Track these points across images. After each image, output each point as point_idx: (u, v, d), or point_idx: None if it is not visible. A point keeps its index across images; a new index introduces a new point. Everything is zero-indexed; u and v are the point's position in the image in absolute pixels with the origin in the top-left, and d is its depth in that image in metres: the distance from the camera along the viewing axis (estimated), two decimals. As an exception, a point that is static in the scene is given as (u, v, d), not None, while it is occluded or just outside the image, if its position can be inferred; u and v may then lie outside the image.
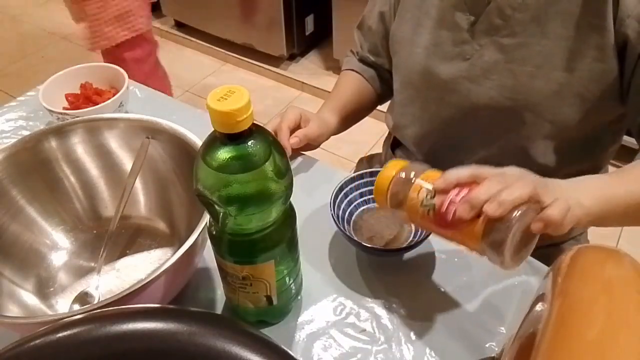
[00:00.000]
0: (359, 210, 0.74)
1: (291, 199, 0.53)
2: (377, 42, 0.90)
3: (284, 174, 0.49)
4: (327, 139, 0.87)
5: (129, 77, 0.92)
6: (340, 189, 0.72)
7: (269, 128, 0.79)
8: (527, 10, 0.69)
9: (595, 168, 0.83)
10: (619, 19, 0.64)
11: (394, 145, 0.97)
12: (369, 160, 1.06)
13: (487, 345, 0.61)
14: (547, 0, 0.67)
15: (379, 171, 0.73)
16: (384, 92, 0.96)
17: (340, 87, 0.94)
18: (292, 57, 2.48)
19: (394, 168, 0.59)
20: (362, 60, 0.95)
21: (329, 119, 0.87)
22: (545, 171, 0.78)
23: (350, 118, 0.93)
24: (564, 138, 0.74)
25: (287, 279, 0.58)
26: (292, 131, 0.80)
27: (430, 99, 0.80)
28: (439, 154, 0.84)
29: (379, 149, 1.06)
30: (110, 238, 0.67)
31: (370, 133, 2.08)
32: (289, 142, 0.78)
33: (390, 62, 0.90)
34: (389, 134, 0.99)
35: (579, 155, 0.78)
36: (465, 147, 0.81)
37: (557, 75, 0.69)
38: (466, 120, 0.78)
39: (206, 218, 0.56)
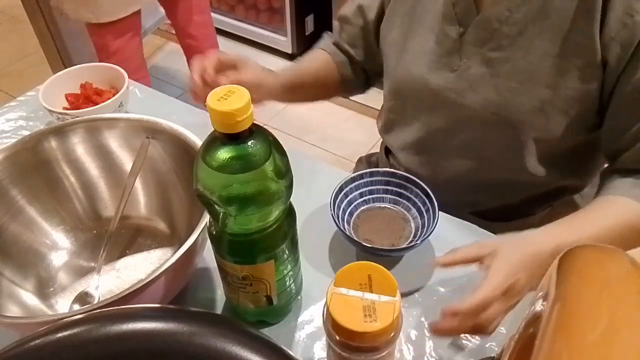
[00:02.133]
0: (359, 210, 0.74)
1: (291, 199, 0.53)
2: (355, 34, 0.89)
3: (284, 174, 0.49)
4: (273, 97, 0.83)
5: None
6: (340, 189, 0.72)
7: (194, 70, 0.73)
8: (514, 24, 0.68)
9: (586, 179, 0.84)
10: (603, 41, 0.63)
11: (388, 149, 0.96)
12: (367, 160, 1.06)
13: (487, 345, 0.61)
14: (535, 15, 0.66)
15: (378, 171, 0.74)
16: (350, 82, 0.93)
17: (304, 60, 0.92)
18: (292, 57, 2.48)
19: None
20: (337, 46, 0.92)
21: (277, 73, 0.83)
22: (535, 183, 0.78)
23: (305, 89, 0.89)
24: (549, 152, 0.74)
25: (287, 279, 0.58)
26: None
27: (418, 108, 0.80)
28: (426, 162, 0.83)
29: (378, 149, 1.06)
30: (110, 238, 0.67)
31: (370, 133, 2.08)
32: (199, 76, 0.72)
33: (366, 57, 0.89)
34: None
35: (569, 167, 0.79)
36: (452, 158, 0.80)
37: (540, 92, 0.68)
38: (453, 131, 0.77)
39: (206, 218, 0.56)
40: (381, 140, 1.02)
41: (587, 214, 0.65)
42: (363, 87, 0.98)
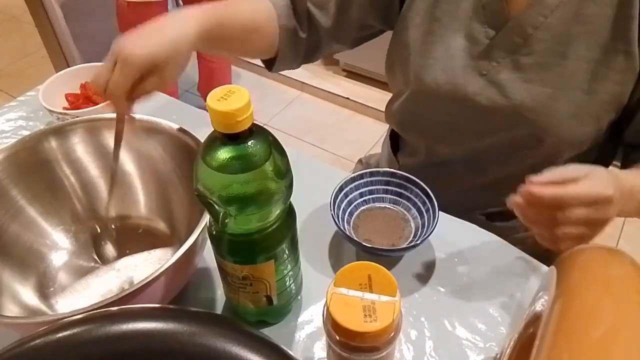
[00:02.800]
0: (359, 210, 0.74)
1: (291, 199, 0.53)
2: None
3: (284, 174, 0.49)
4: (186, 54, 0.63)
5: None
6: (340, 189, 0.72)
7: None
8: (549, 30, 0.67)
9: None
10: None
11: (395, 148, 0.96)
12: (367, 161, 1.05)
13: (487, 345, 0.61)
14: (571, 20, 0.66)
15: (378, 171, 0.74)
16: (284, 55, 0.79)
17: (237, 4, 0.73)
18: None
19: None
20: (295, 6, 0.77)
21: (193, 21, 0.64)
22: None
23: (226, 44, 0.72)
24: (576, 155, 0.74)
25: (287, 279, 0.58)
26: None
27: (443, 113, 0.77)
28: (445, 165, 0.82)
29: (379, 149, 1.06)
30: (107, 230, 0.67)
31: (370, 133, 2.09)
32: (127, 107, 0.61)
33: (337, 24, 0.79)
34: (389, 136, 0.97)
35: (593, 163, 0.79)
36: (475, 160, 0.79)
37: (576, 97, 0.67)
38: (481, 136, 0.76)
39: (206, 218, 0.56)
40: (383, 139, 1.01)
41: None
42: (294, 64, 0.83)
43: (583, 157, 0.77)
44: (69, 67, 0.95)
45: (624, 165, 0.75)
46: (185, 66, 0.64)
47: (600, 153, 0.79)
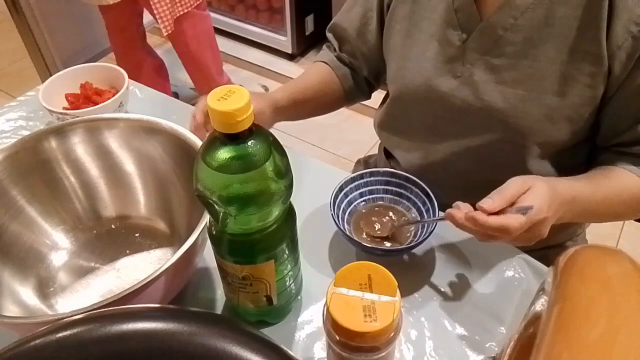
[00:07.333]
0: (359, 210, 0.74)
1: (291, 199, 0.53)
2: (353, 47, 0.87)
3: (284, 174, 0.49)
4: (273, 119, 0.78)
5: None
6: (340, 189, 0.72)
7: (191, 128, 0.71)
8: (519, 32, 0.67)
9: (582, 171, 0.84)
10: (610, 49, 0.64)
11: (387, 152, 0.96)
12: (365, 162, 1.05)
13: (487, 345, 0.61)
14: (541, 22, 0.66)
15: (378, 171, 0.74)
16: (353, 93, 0.92)
17: (303, 75, 0.89)
18: (292, 57, 2.48)
19: None
20: (339, 58, 0.90)
21: (275, 95, 0.80)
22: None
23: (307, 106, 0.87)
24: (552, 157, 0.75)
25: (287, 279, 0.58)
26: None
27: (421, 115, 0.79)
28: (427, 166, 0.83)
29: (378, 149, 1.06)
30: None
31: (370, 133, 2.08)
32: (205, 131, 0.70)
33: (367, 68, 0.88)
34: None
35: (569, 166, 0.78)
36: (454, 161, 0.80)
37: (548, 99, 0.68)
38: (456, 138, 0.77)
39: (206, 218, 0.56)
40: (380, 142, 1.01)
41: (597, 176, 0.70)
42: (367, 95, 0.96)
43: (573, 157, 0.77)
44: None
45: (589, 164, 0.76)
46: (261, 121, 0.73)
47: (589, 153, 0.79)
